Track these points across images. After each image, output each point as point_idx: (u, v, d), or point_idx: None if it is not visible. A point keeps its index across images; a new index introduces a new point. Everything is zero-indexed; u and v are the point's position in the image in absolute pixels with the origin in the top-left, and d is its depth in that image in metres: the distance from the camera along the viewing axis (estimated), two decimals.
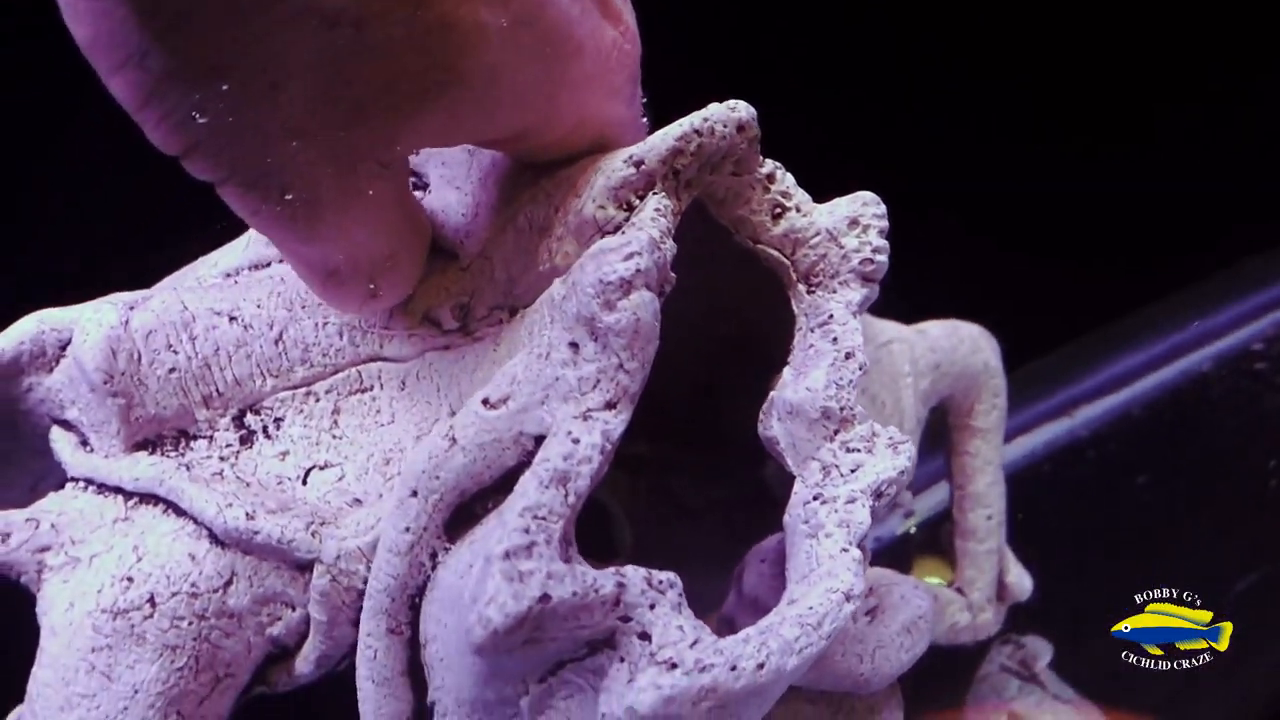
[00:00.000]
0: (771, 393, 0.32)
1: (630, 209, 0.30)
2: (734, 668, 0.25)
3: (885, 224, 0.33)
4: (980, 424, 0.48)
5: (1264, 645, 0.48)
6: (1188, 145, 0.80)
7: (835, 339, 0.32)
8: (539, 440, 0.29)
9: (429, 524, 0.29)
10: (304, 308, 0.36)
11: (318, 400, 0.36)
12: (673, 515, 0.46)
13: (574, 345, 0.28)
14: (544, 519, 0.26)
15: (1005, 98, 0.78)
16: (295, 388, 0.36)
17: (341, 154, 0.27)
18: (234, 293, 0.37)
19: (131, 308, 0.35)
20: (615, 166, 0.30)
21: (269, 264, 0.39)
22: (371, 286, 0.31)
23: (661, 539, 0.45)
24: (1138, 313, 0.74)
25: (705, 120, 0.30)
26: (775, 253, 0.33)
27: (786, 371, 0.32)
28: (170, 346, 0.35)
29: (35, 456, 0.40)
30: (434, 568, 0.29)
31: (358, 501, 0.34)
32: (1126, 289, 0.74)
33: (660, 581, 0.26)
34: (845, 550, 0.28)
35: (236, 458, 0.35)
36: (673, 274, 0.29)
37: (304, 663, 0.35)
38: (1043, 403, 0.66)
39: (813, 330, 0.32)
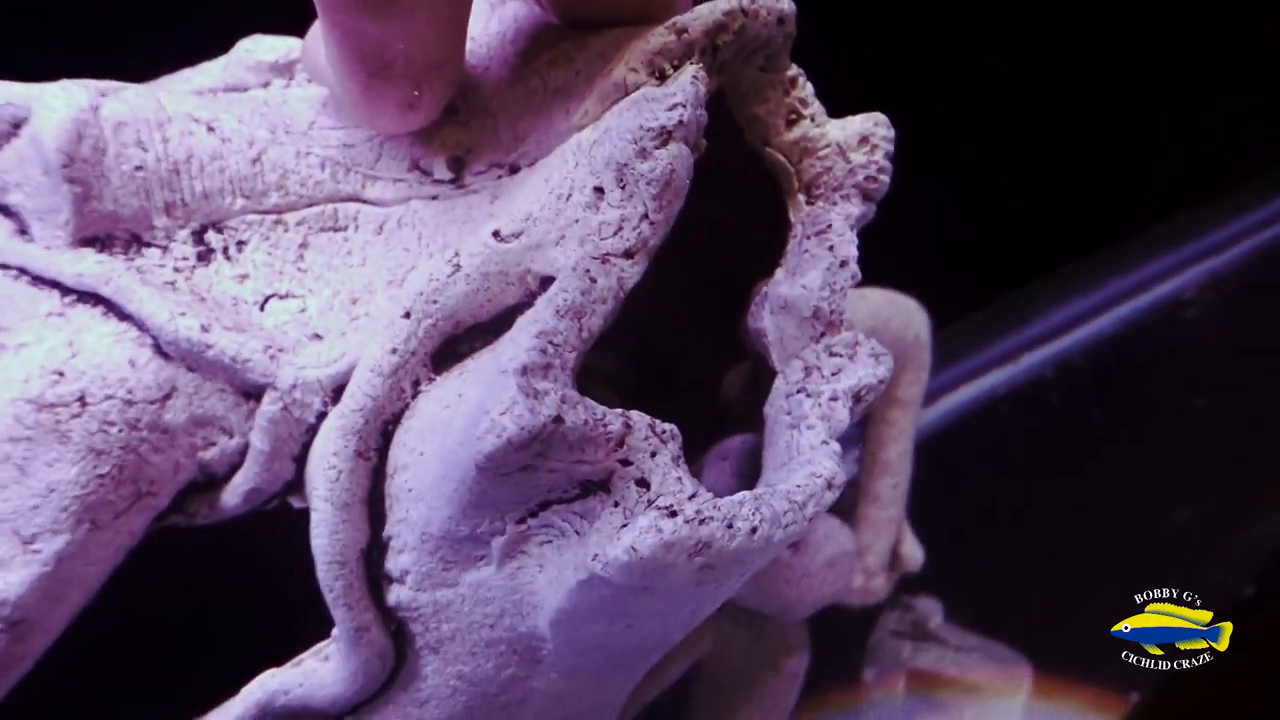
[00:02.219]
0: (764, 287, 0.33)
1: (663, 77, 0.30)
2: (730, 526, 0.25)
3: (892, 147, 0.34)
4: (902, 394, 0.50)
5: (1198, 575, 0.51)
6: (1116, 92, 0.83)
7: (832, 247, 0.32)
8: (545, 282, 0.28)
9: (418, 349, 0.28)
10: (288, 133, 0.35)
11: (286, 230, 0.34)
12: None
13: (599, 190, 0.28)
14: (559, 345, 0.25)
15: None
16: (265, 213, 0.34)
17: None
18: (214, 104, 0.35)
19: (103, 94, 0.33)
20: (656, 32, 0.31)
21: (248, 89, 0.37)
22: (415, 94, 0.30)
23: None
24: (1072, 265, 0.77)
25: (752, 1, 0.31)
26: (782, 158, 0.34)
27: (779, 272, 0.33)
28: (140, 143, 0.33)
29: None
30: (413, 396, 0.28)
31: (317, 336, 0.33)
32: (1059, 242, 0.77)
33: (664, 431, 0.26)
34: (826, 443, 0.29)
35: (192, 272, 0.33)
36: (703, 140, 0.29)
37: (232, 495, 0.33)
38: (985, 352, 0.69)
39: (809, 238, 0.33)
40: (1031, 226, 0.77)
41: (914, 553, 0.52)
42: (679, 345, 0.46)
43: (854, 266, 0.32)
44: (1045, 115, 0.80)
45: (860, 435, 0.52)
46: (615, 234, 0.28)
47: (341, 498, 0.28)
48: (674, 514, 0.25)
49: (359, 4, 0.27)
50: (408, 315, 0.28)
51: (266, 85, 0.37)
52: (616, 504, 0.26)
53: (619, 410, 0.26)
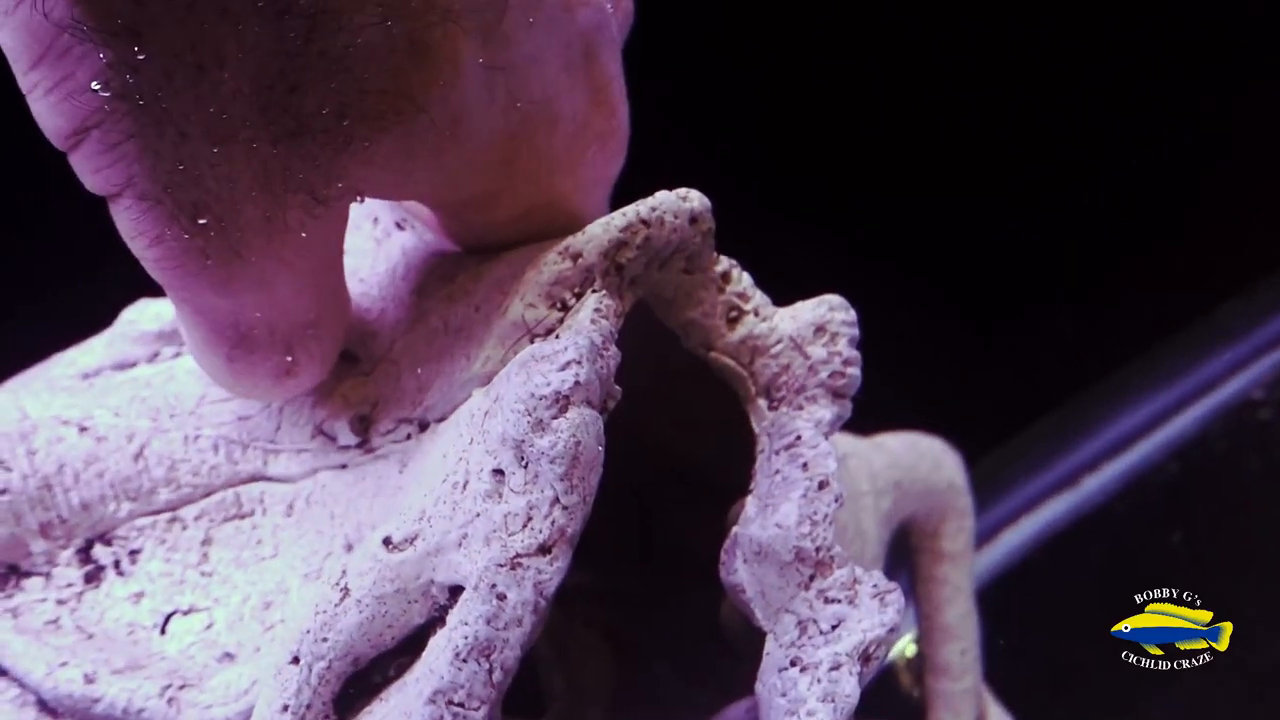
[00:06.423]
0: (734, 528, 0.27)
1: (565, 309, 0.26)
2: None
3: (855, 332, 0.28)
4: (948, 547, 0.44)
5: None
6: (1150, 188, 0.76)
7: (805, 464, 0.27)
8: (454, 592, 0.23)
9: (314, 700, 0.23)
10: (172, 416, 0.30)
11: (185, 528, 0.30)
12: (611, 654, 0.40)
13: (498, 473, 0.23)
14: (461, 706, 0.20)
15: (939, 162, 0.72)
16: (157, 513, 0.30)
17: (273, 176, 0.22)
18: (86, 398, 0.31)
19: None
20: (548, 260, 0.26)
21: (135, 364, 0.33)
22: (288, 360, 0.25)
23: (599, 683, 0.39)
24: (1119, 372, 0.69)
25: (653, 210, 0.26)
26: (731, 362, 0.28)
27: (750, 502, 0.27)
28: (2, 462, 0.29)
29: None
30: None
31: (229, 656, 0.28)
32: (1105, 347, 0.69)
33: None
34: None
35: (79, 600, 0.29)
36: (617, 387, 0.24)
37: None
38: (1043, 475, 0.62)
39: (777, 453, 0.27)
40: (1058, 335, 0.70)
41: None
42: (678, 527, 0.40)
43: (836, 486, 0.26)
44: (1055, 195, 0.73)
45: (911, 597, 0.45)
46: (524, 527, 0.22)
47: None
48: None
49: (195, 269, 0.23)
50: (296, 660, 0.23)
51: (155, 356, 0.33)
52: None
53: None
